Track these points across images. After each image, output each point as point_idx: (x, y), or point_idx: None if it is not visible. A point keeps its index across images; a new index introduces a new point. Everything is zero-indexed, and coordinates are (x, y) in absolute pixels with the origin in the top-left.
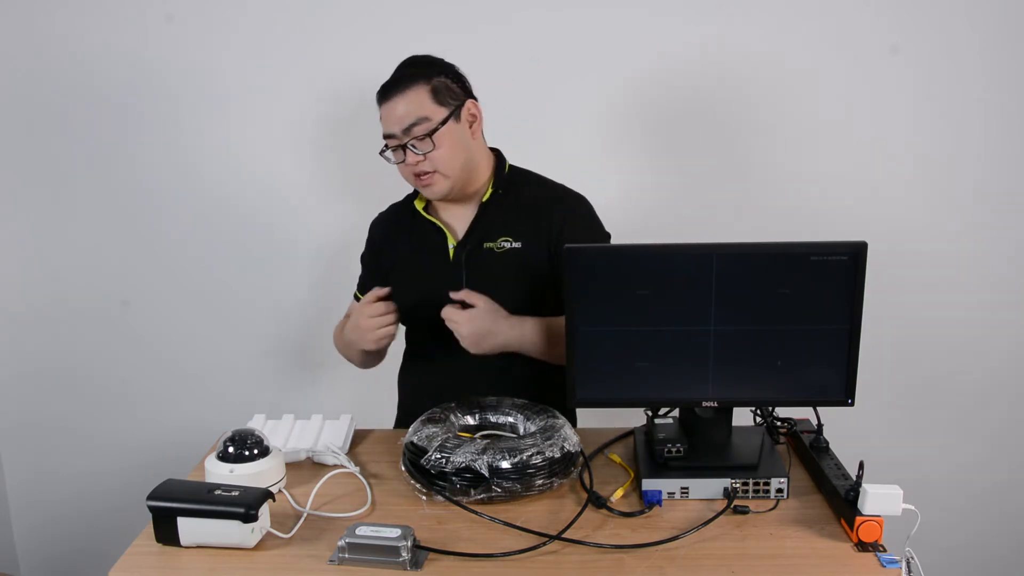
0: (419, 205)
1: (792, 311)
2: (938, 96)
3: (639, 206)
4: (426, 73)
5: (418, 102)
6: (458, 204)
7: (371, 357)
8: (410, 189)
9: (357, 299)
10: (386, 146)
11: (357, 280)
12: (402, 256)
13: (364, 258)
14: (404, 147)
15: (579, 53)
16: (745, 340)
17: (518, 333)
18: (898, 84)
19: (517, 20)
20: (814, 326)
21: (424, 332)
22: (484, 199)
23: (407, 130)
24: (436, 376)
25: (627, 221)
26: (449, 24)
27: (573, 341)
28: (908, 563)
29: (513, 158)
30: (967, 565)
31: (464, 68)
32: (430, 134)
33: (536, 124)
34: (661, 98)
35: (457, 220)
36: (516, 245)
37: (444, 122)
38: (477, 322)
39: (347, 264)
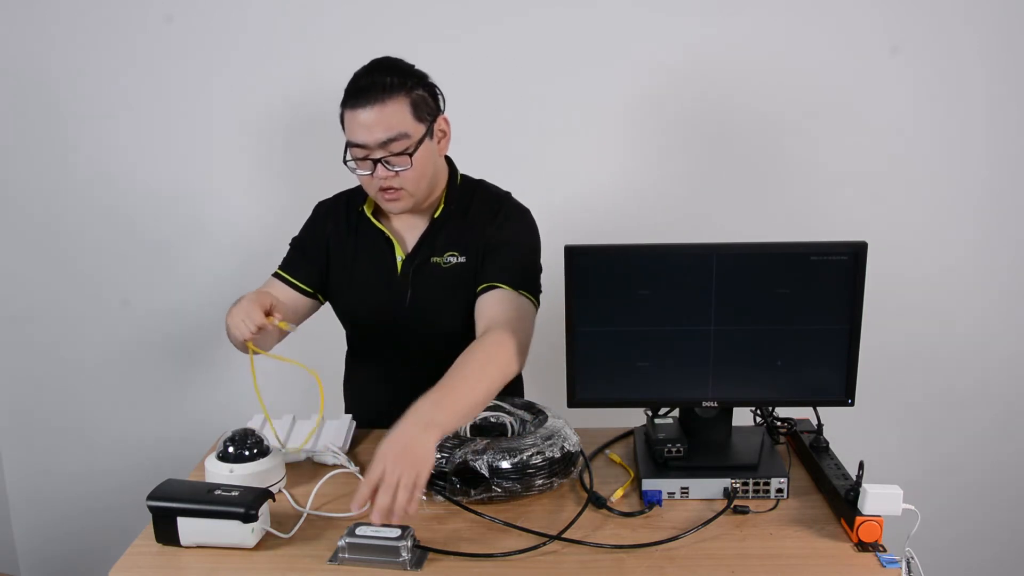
0: (368, 210)
1: (792, 311)
2: (938, 96)
3: (639, 206)
4: (406, 84)
5: (399, 116)
6: (410, 214)
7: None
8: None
9: (277, 277)
10: (348, 154)
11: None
12: (347, 257)
13: (298, 241)
14: (375, 161)
15: (578, 53)
16: (745, 340)
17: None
18: (898, 84)
19: (513, 20)
20: (814, 326)
21: (367, 338)
22: (436, 215)
23: (384, 144)
24: (381, 383)
25: (628, 221)
26: (449, 24)
27: (573, 341)
28: (908, 563)
29: (509, 159)
30: (967, 565)
31: (461, 69)
32: (409, 152)
33: (534, 123)
34: (660, 98)
35: (407, 231)
36: (461, 259)
37: (422, 140)
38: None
39: None
